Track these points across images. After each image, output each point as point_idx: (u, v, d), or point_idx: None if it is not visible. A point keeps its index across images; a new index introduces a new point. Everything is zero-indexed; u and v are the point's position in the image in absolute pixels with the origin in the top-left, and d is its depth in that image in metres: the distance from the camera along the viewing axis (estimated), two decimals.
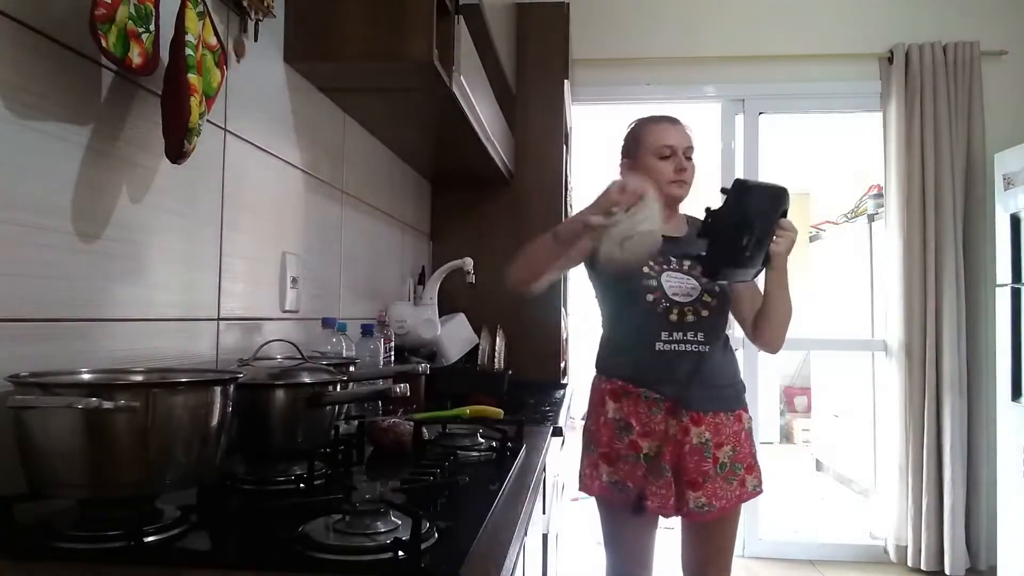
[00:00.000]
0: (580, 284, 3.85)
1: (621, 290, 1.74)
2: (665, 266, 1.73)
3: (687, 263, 1.74)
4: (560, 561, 2.06)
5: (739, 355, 3.37)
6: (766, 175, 3.66)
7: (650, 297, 1.69)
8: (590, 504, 1.87)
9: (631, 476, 1.71)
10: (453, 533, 0.83)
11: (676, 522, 1.83)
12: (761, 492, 1.79)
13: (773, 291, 1.65)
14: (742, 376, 1.86)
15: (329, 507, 0.86)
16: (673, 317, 1.70)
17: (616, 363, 1.79)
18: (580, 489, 1.83)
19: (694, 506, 1.69)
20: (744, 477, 1.73)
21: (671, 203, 1.76)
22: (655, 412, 1.70)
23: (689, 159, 1.77)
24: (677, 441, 1.69)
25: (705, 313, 1.71)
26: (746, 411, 1.78)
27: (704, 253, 1.56)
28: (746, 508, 3.42)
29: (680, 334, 1.70)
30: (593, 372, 1.86)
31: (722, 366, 1.76)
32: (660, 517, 1.77)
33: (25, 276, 0.90)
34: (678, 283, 1.71)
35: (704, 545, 1.80)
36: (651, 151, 1.75)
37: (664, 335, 1.70)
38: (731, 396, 1.76)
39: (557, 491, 2.01)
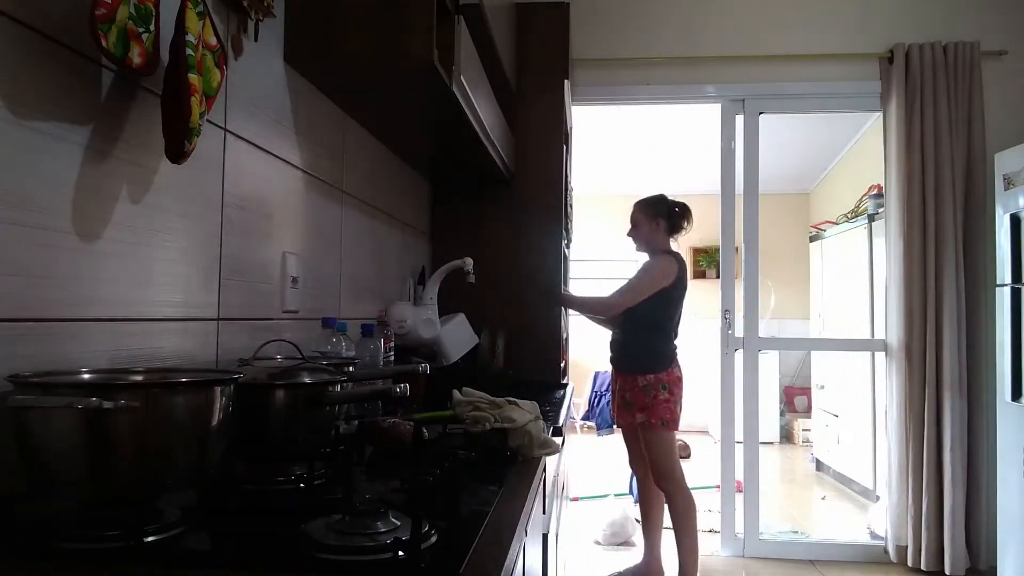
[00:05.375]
0: (578, 285, 3.85)
1: None
2: None
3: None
4: (560, 561, 2.06)
5: (739, 356, 3.41)
6: (766, 174, 3.68)
7: None
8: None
9: None
10: (453, 533, 0.83)
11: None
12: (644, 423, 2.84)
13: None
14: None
15: (329, 507, 0.85)
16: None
17: None
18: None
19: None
20: (635, 413, 2.86)
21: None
22: None
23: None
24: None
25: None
26: (643, 376, 2.83)
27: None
28: (746, 507, 3.46)
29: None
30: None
31: (627, 347, 2.95)
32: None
33: (25, 276, 0.90)
34: None
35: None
36: None
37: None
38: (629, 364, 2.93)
39: (557, 491, 2.01)
